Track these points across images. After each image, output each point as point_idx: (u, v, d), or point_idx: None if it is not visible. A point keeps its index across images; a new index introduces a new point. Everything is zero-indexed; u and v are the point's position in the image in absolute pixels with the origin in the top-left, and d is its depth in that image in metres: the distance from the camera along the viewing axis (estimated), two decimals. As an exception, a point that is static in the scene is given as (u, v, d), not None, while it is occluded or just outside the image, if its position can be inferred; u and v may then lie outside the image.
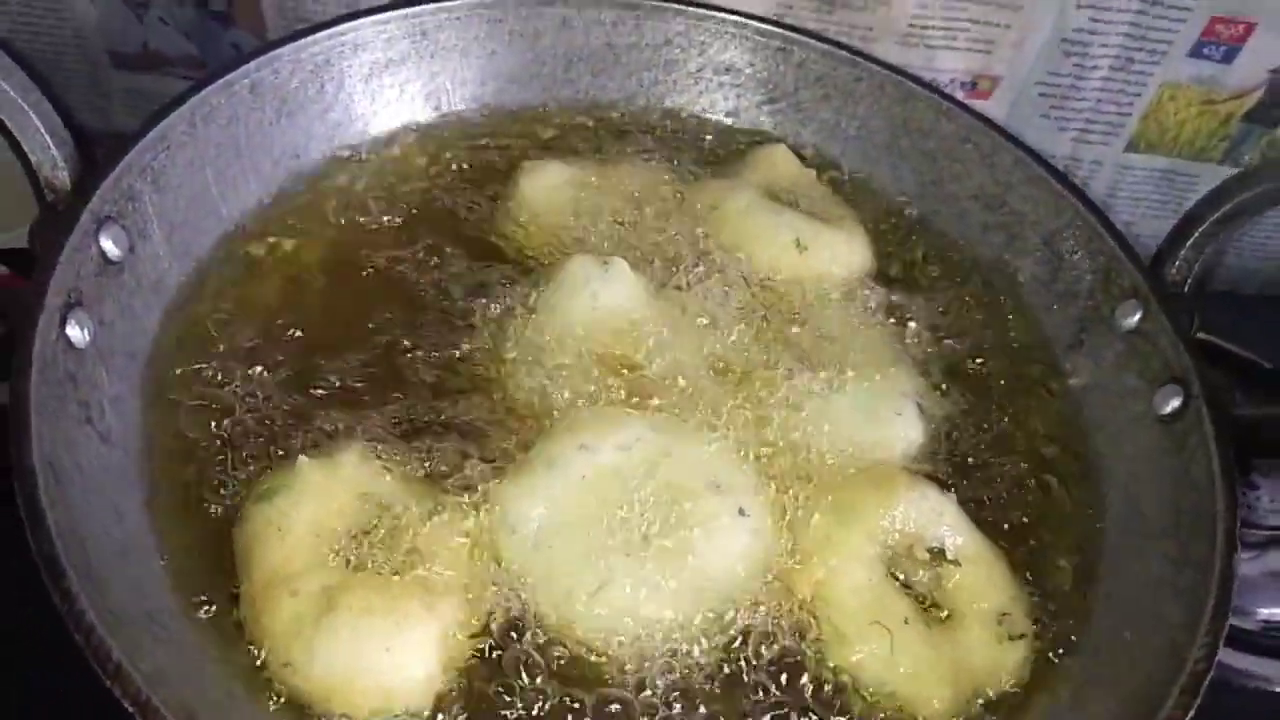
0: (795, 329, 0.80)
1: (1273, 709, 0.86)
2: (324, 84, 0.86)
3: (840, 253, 0.86)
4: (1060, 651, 0.66)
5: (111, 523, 0.60)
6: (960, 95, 1.09)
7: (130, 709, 0.49)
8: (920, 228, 0.93)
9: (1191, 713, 0.56)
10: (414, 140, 0.91)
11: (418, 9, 0.89)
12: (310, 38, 0.84)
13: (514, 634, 0.62)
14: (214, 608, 0.61)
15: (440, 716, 0.59)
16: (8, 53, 0.69)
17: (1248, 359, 1.10)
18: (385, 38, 0.88)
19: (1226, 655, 0.86)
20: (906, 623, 0.64)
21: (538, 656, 0.62)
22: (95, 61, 1.11)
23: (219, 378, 0.71)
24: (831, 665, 0.64)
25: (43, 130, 0.68)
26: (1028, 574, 0.70)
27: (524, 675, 0.61)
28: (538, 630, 0.62)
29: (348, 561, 0.61)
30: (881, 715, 0.63)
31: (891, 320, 0.84)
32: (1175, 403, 0.73)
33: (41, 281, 0.62)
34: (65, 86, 1.12)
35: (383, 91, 0.90)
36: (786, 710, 0.62)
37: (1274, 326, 1.13)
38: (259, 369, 0.72)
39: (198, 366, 0.72)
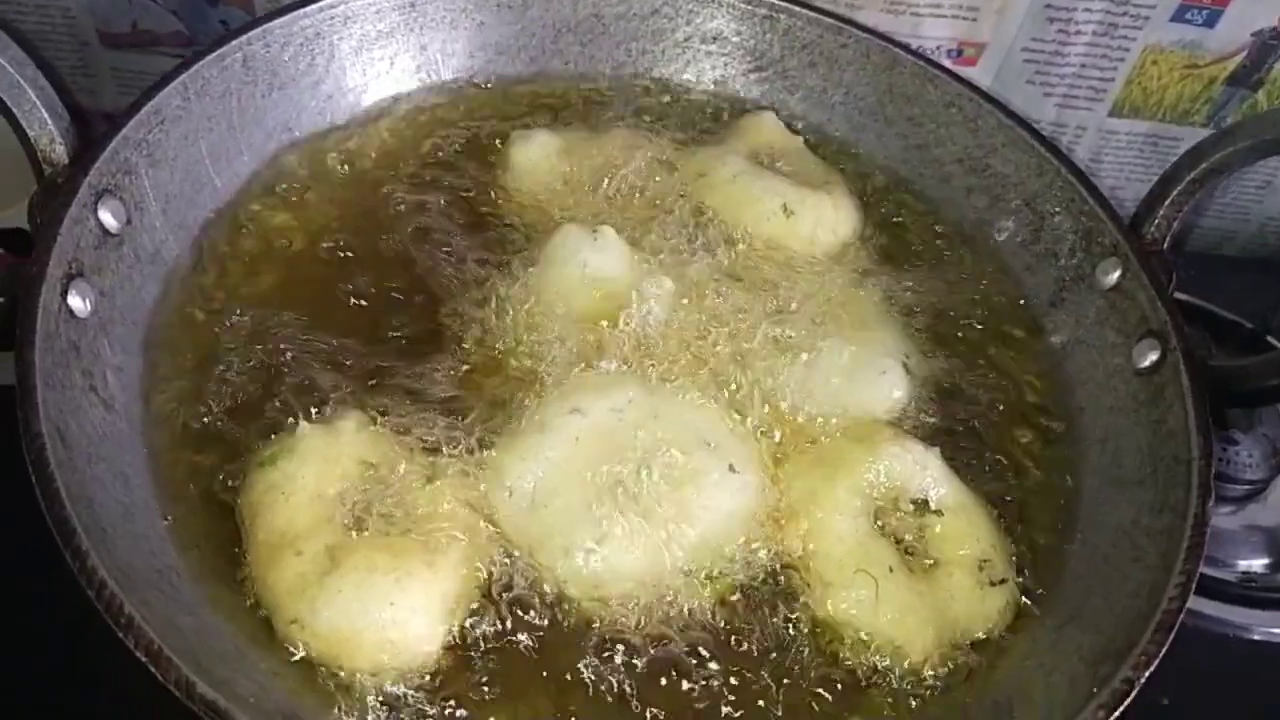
0: (783, 292, 0.81)
1: (1249, 655, 0.89)
2: (315, 57, 0.87)
3: (827, 217, 0.87)
4: (1040, 595, 0.68)
5: (117, 486, 0.62)
6: (946, 62, 1.09)
7: (144, 659, 0.50)
8: (906, 192, 0.95)
9: (1165, 648, 0.58)
10: (404, 111, 0.92)
11: (407, -19, 0.90)
12: (301, 10, 0.85)
13: (512, 589, 0.64)
14: (218, 567, 0.62)
15: (443, 668, 0.61)
16: (3, 29, 0.70)
17: (1227, 318, 1.12)
18: (375, 10, 0.89)
19: (1207, 605, 0.90)
20: (891, 571, 0.66)
21: (536, 609, 0.63)
22: (85, 40, 1.11)
23: (218, 347, 0.73)
24: (820, 612, 0.66)
25: (40, 105, 0.69)
26: (1009, 522, 0.72)
27: (523, 627, 0.63)
28: (536, 585, 0.64)
29: (350, 523, 0.63)
30: (868, 659, 0.64)
31: (877, 281, 0.85)
32: (1153, 356, 0.74)
33: (43, 252, 0.64)
34: (55, 65, 1.13)
35: (373, 64, 0.91)
36: (777, 655, 0.64)
37: (1253, 287, 1.14)
38: (256, 337, 0.73)
39: (198, 335, 0.73)
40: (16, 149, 0.72)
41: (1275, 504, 0.98)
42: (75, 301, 0.65)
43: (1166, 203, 0.80)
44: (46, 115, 0.69)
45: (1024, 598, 0.68)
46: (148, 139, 0.74)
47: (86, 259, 0.67)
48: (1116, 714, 0.56)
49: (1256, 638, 0.90)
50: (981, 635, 0.67)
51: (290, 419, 0.68)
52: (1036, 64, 1.13)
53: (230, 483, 0.66)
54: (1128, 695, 0.57)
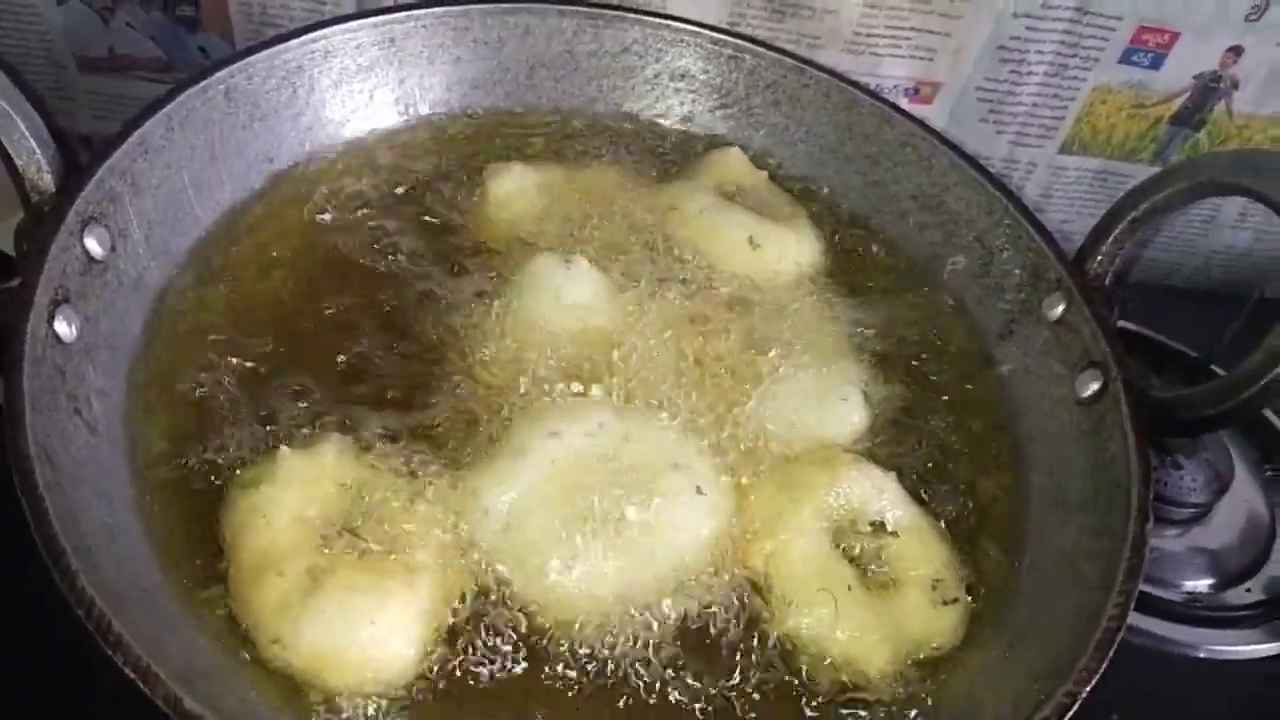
0: (748, 321, 0.84)
1: (1195, 672, 0.92)
2: (296, 89, 0.89)
3: (791, 250, 0.90)
4: (989, 614, 0.71)
5: (102, 507, 0.63)
6: (904, 100, 1.14)
7: (132, 676, 0.52)
8: (865, 226, 0.98)
9: (1105, 664, 0.61)
10: (383, 144, 0.94)
11: (386, 17, 0.92)
12: (283, 44, 0.87)
13: (490, 608, 0.66)
14: (201, 586, 0.64)
15: (423, 685, 0.62)
16: (-8, 60, 0.72)
17: (1173, 348, 1.16)
18: (355, 45, 0.91)
19: (1154, 624, 0.93)
20: (850, 589, 0.69)
21: (512, 627, 0.65)
22: (61, 65, 1.12)
23: (200, 371, 0.74)
24: (782, 628, 0.68)
25: (28, 135, 0.70)
26: (960, 544, 0.75)
27: (500, 644, 0.65)
28: (512, 604, 0.66)
29: (331, 545, 0.64)
30: (827, 674, 0.67)
31: (838, 313, 0.88)
32: (1095, 386, 0.77)
33: (31, 279, 0.65)
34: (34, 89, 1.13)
35: (352, 97, 0.93)
36: (742, 668, 0.66)
37: (1199, 318, 1.18)
38: (237, 362, 0.75)
39: (179, 360, 0.74)
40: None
41: (1218, 526, 1.01)
42: (61, 327, 0.66)
43: (1109, 240, 0.83)
44: (34, 144, 0.70)
45: (974, 616, 0.71)
46: (132, 168, 0.76)
47: (72, 285, 0.68)
48: (1060, 727, 0.59)
49: (1202, 655, 0.92)
50: (935, 651, 0.69)
51: (271, 443, 0.70)
52: (990, 103, 1.17)
53: (213, 504, 0.67)
54: (1069, 709, 0.59)
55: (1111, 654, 0.62)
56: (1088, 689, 0.60)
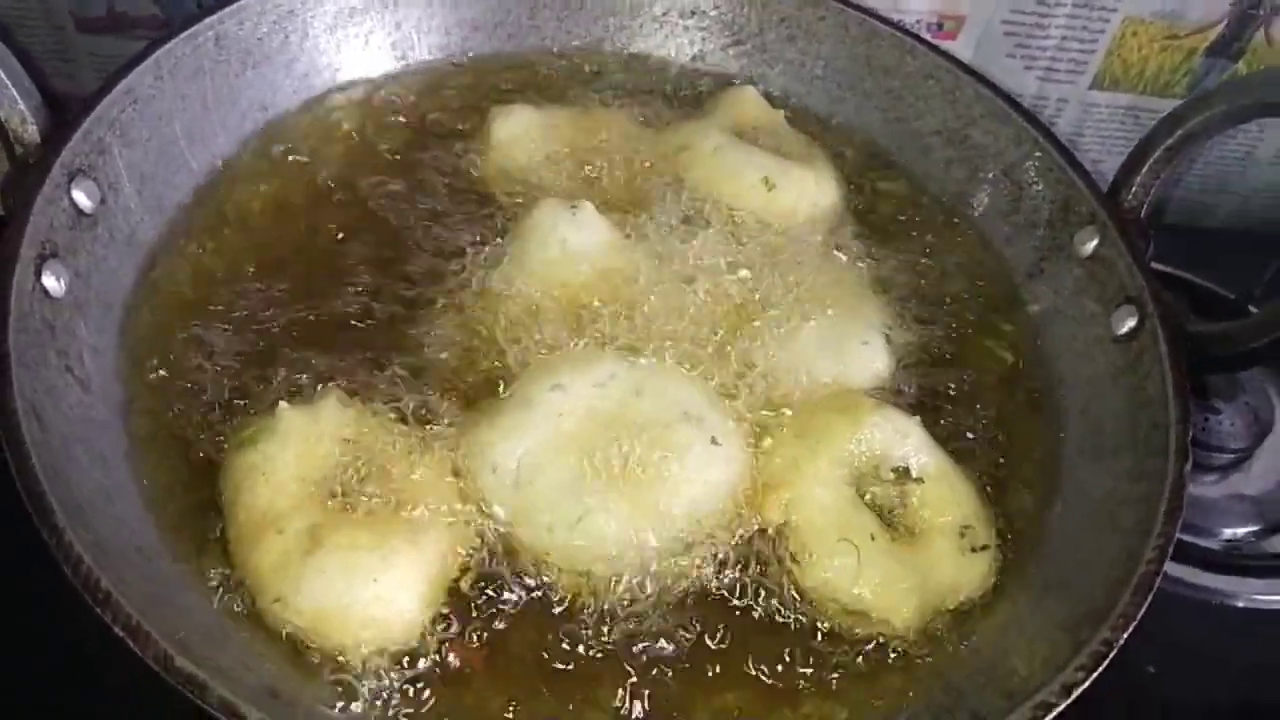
0: (764, 265, 0.81)
1: (1235, 622, 0.90)
2: (288, 35, 0.86)
3: (808, 190, 0.87)
4: (1021, 561, 0.69)
5: (95, 466, 0.62)
6: (927, 36, 1.10)
7: (121, 634, 0.50)
8: (885, 164, 0.95)
9: (1143, 609, 0.59)
10: (381, 90, 0.92)
11: (380, -44, 0.90)
12: (274, -13, 0.84)
13: (497, 564, 0.64)
14: (199, 546, 0.62)
15: (427, 643, 0.61)
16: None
17: (1209, 289, 1.13)
18: (349, -14, 0.89)
19: (1192, 574, 0.91)
20: (873, 539, 0.66)
21: (521, 584, 0.64)
22: (60, 25, 1.11)
23: (196, 327, 0.72)
24: (804, 581, 0.66)
25: (9, 84, 0.68)
26: (990, 490, 0.72)
27: (508, 602, 0.63)
28: (520, 560, 0.64)
29: (332, 501, 0.63)
30: (851, 626, 0.65)
31: (858, 255, 0.86)
32: (1131, 323, 0.75)
33: (16, 232, 0.63)
34: (31, 50, 1.12)
35: (348, 41, 0.90)
36: (762, 623, 0.65)
37: (1236, 259, 1.15)
38: (236, 316, 0.73)
39: (174, 316, 0.73)
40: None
41: (1259, 472, 0.99)
42: (50, 282, 0.65)
43: (1144, 170, 0.80)
44: (16, 94, 0.69)
45: (1004, 565, 0.69)
46: (120, 118, 0.74)
47: (60, 239, 0.67)
48: (1095, 674, 0.57)
49: (1241, 604, 0.90)
50: (964, 601, 0.67)
51: (270, 399, 0.68)
52: (1017, 37, 1.13)
53: (210, 463, 0.66)
54: (1106, 656, 0.57)
55: (1150, 599, 0.59)
56: (1125, 635, 0.58)
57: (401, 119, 0.89)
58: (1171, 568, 0.86)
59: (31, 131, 0.70)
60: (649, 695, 0.61)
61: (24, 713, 0.74)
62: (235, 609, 0.60)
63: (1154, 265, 0.78)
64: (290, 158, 0.85)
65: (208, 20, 0.81)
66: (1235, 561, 0.93)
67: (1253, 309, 1.07)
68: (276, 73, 0.86)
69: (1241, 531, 0.96)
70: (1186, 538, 0.92)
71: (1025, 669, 0.60)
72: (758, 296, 0.79)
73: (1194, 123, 0.78)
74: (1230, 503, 0.97)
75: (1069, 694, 0.56)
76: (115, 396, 0.67)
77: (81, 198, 0.69)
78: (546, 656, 0.62)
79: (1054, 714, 0.56)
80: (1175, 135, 0.79)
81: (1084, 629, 0.59)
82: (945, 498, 0.69)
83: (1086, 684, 0.56)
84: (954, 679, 0.63)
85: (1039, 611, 0.65)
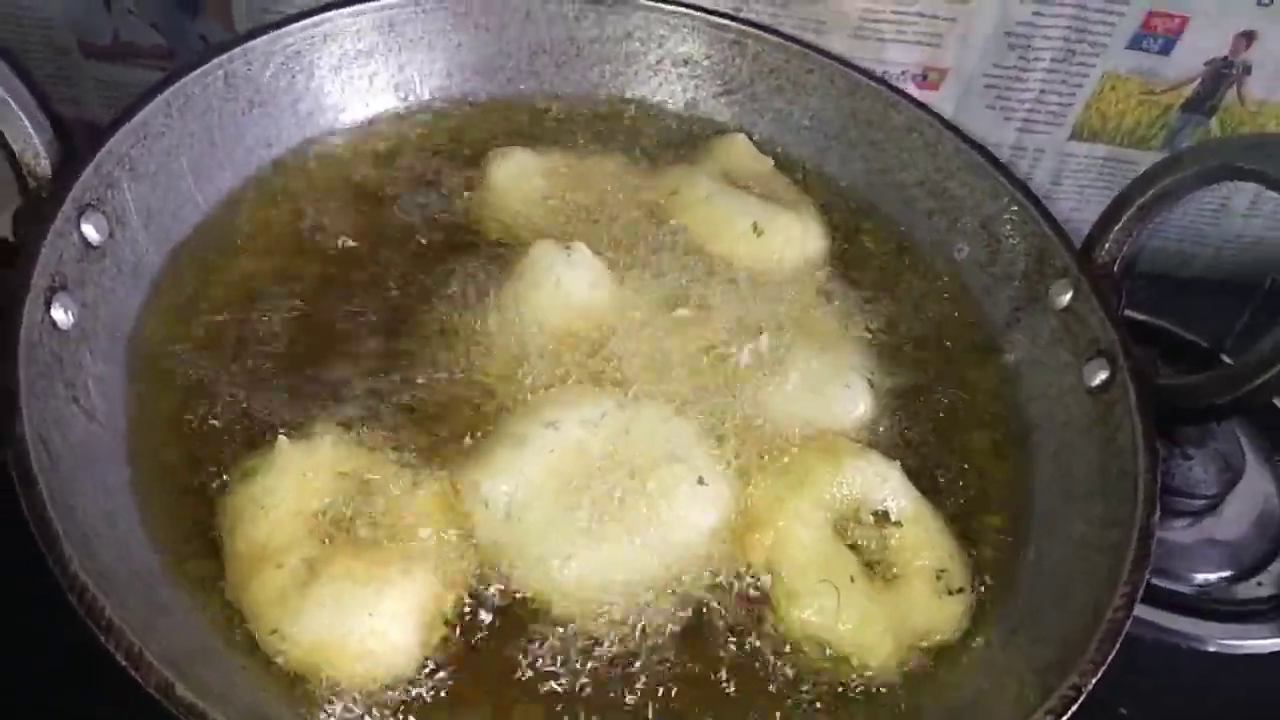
0: (752, 309, 0.84)
1: (1206, 666, 0.91)
2: (295, 75, 0.88)
3: (795, 236, 0.90)
4: (995, 604, 0.71)
5: (99, 494, 0.63)
6: (911, 87, 1.13)
7: (124, 662, 0.51)
8: (869, 213, 0.97)
9: (1110, 657, 0.61)
10: (383, 130, 0.93)
11: (386, 1, 0.91)
12: (283, 29, 0.86)
13: (489, 598, 0.65)
14: (197, 573, 0.63)
15: (422, 675, 0.62)
16: (-13, 43, 0.71)
17: (1184, 338, 1.15)
18: (355, 30, 0.91)
19: (1164, 618, 0.92)
20: (853, 580, 0.68)
21: (512, 618, 0.65)
22: (66, 51, 1.12)
23: (199, 359, 0.74)
24: (784, 620, 0.68)
25: (24, 119, 0.69)
26: (966, 534, 0.74)
27: (498, 635, 0.64)
28: (511, 594, 0.66)
29: (329, 535, 0.64)
30: (830, 665, 0.66)
31: (843, 300, 0.88)
32: (1103, 375, 0.76)
33: (27, 265, 0.65)
34: (35, 75, 1.13)
35: (352, 82, 0.92)
36: (743, 658, 0.66)
37: (1211, 309, 1.17)
38: (236, 351, 0.74)
39: (178, 348, 0.74)
40: (-1, 161, 0.73)
41: (1230, 517, 1.00)
42: (58, 314, 0.66)
43: (1118, 226, 0.82)
44: (31, 129, 0.70)
45: (979, 607, 0.70)
46: (130, 154, 0.75)
47: (69, 272, 0.68)
48: (1065, 719, 0.58)
49: (1212, 649, 0.92)
50: (939, 642, 0.69)
51: (270, 432, 0.69)
52: (998, 89, 1.16)
53: (210, 492, 0.67)
54: (1075, 701, 0.59)
55: (1117, 647, 0.61)
56: (1093, 682, 0.60)
57: (402, 159, 0.91)
58: (1144, 611, 0.89)
59: (44, 165, 0.71)
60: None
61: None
62: (233, 638, 0.61)
63: (1129, 314, 0.80)
64: (293, 195, 0.86)
65: (217, 59, 0.82)
66: (1206, 606, 0.94)
67: (1225, 358, 1.10)
68: (282, 112, 0.88)
69: (1214, 576, 0.97)
70: (1159, 582, 0.93)
71: (997, 711, 0.62)
72: (745, 338, 0.81)
73: (1166, 182, 0.80)
74: (1202, 548, 0.99)
75: (1038, 736, 0.58)
76: (120, 427, 0.69)
77: (91, 231, 0.70)
78: (534, 690, 0.63)
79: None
80: (1148, 194, 0.81)
81: (1054, 673, 0.61)
82: (922, 541, 0.71)
83: (1056, 728, 0.58)
84: (927, 718, 0.65)
85: (1011, 654, 0.67)
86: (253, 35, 0.85)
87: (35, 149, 0.71)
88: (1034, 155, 1.23)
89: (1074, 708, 0.59)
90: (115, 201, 0.74)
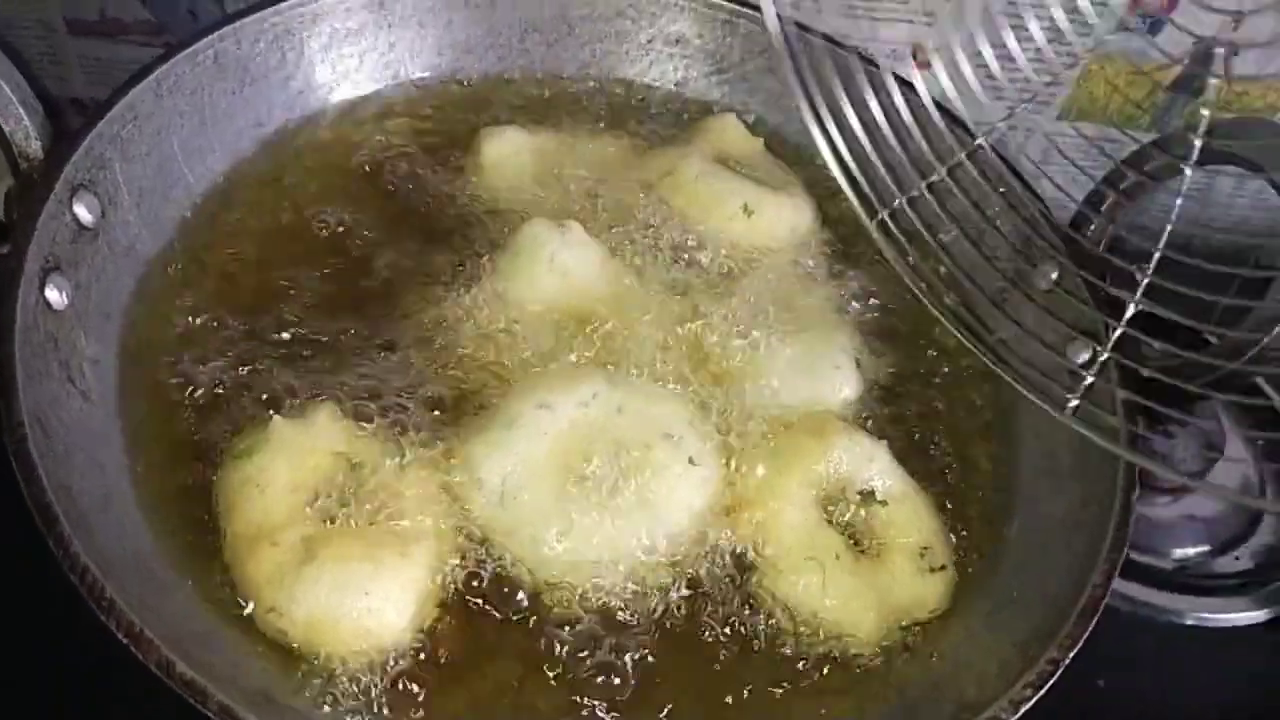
0: (742, 289, 0.84)
1: (1182, 639, 0.93)
2: (285, 54, 0.88)
3: (785, 217, 0.90)
4: (977, 581, 0.72)
5: (95, 474, 0.63)
6: (903, 66, 1.13)
7: (125, 640, 0.52)
8: (859, 194, 0.97)
9: (1089, 631, 0.62)
10: (374, 108, 0.93)
11: (376, -22, 0.91)
12: (272, 8, 0.86)
13: (484, 577, 0.66)
14: (194, 553, 0.64)
15: (415, 652, 0.63)
16: (-25, 27, 0.71)
17: (1168, 319, 1.15)
18: (344, 8, 0.91)
19: (1143, 591, 0.94)
20: (838, 558, 0.69)
21: (506, 597, 0.66)
22: (52, 28, 1.11)
23: (192, 339, 0.74)
24: (771, 596, 0.69)
25: (15, 101, 0.70)
26: (950, 512, 0.75)
27: (493, 613, 0.66)
28: (506, 573, 0.67)
29: (324, 514, 0.65)
30: (815, 641, 0.68)
31: (832, 281, 0.88)
32: (1085, 355, 0.77)
33: (21, 247, 0.65)
34: (22, 52, 1.12)
35: (342, 60, 0.92)
36: (731, 634, 0.67)
37: (1191, 287, 1.17)
38: (230, 330, 0.75)
39: (171, 327, 0.74)
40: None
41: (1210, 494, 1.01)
42: (52, 295, 0.66)
43: (1103, 208, 0.83)
44: (22, 111, 0.71)
45: (962, 584, 0.72)
46: (121, 134, 0.75)
47: (63, 253, 0.68)
48: (1043, 691, 0.60)
49: (1189, 622, 0.93)
50: (922, 619, 0.70)
51: (264, 411, 0.70)
52: (988, 68, 1.16)
53: (205, 472, 0.68)
54: (1053, 675, 0.60)
55: (1095, 622, 0.63)
56: (1071, 654, 0.61)
57: (392, 138, 0.91)
58: (1123, 585, 0.91)
59: (35, 147, 0.72)
60: (625, 702, 0.64)
61: (24, 713, 0.75)
62: (231, 616, 0.62)
63: (1114, 293, 0.81)
64: (283, 175, 0.86)
65: (207, 39, 0.82)
66: (1185, 580, 0.96)
67: (1209, 338, 1.10)
68: (272, 90, 0.88)
69: (1192, 551, 0.98)
70: (1138, 557, 0.95)
71: (977, 685, 0.63)
72: (735, 318, 0.81)
73: (1154, 165, 0.81)
74: (1182, 523, 1.00)
75: (1017, 709, 0.59)
76: (114, 407, 0.69)
77: (83, 212, 0.71)
78: (528, 667, 0.64)
79: (1003, 728, 0.59)
80: (1136, 175, 0.82)
81: (1033, 647, 0.62)
82: (907, 519, 0.72)
83: (1034, 700, 0.60)
84: (908, 694, 0.66)
85: (994, 629, 0.68)
86: (242, 14, 0.85)
87: (26, 130, 0.71)
88: (1023, 134, 1.23)
89: (1052, 680, 0.60)
90: (107, 182, 0.74)
